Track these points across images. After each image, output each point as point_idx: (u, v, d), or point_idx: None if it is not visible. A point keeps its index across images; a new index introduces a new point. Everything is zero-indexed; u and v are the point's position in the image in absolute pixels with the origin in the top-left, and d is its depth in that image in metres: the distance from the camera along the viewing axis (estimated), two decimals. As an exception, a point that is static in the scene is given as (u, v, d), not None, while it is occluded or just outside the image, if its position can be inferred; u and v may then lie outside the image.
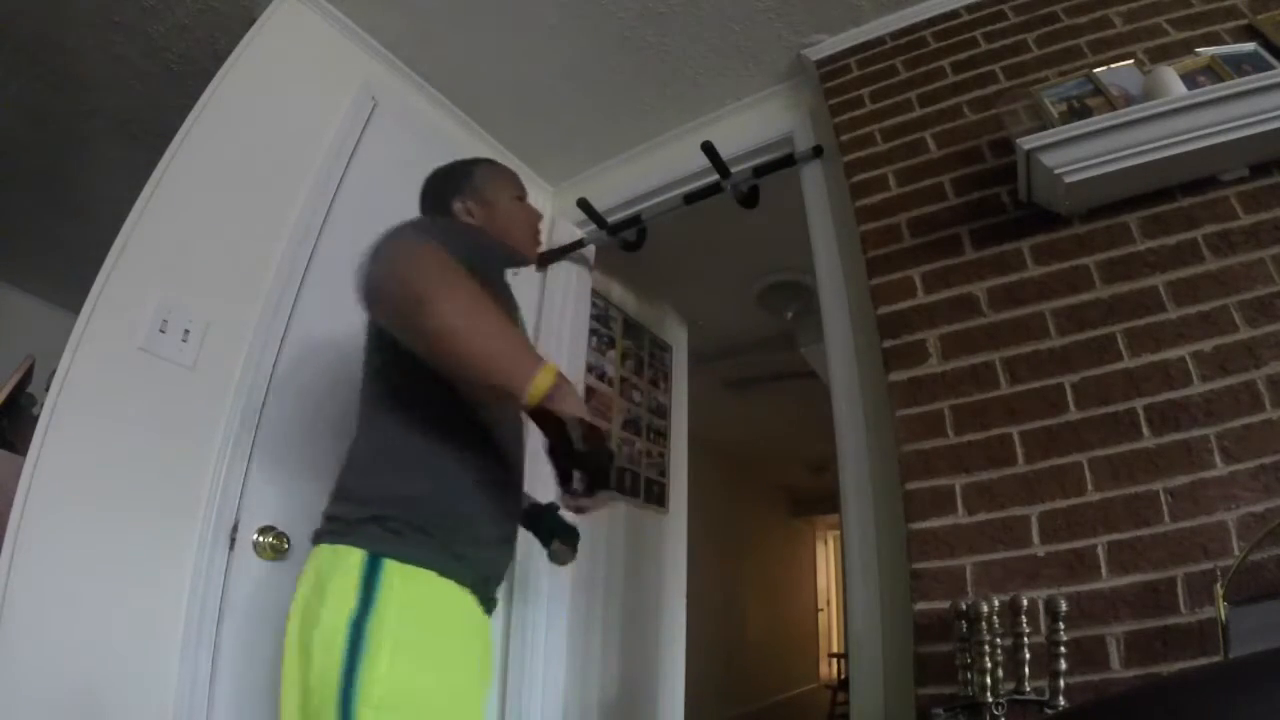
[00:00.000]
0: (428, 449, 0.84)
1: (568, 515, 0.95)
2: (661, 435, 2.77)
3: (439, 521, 0.80)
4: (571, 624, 1.86)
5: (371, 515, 0.79)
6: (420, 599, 0.76)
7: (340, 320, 1.48)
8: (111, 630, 1.03)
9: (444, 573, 0.78)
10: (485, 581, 0.87)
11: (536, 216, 1.13)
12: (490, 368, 0.72)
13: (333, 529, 0.81)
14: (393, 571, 0.75)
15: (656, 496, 2.67)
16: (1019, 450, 1.10)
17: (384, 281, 0.77)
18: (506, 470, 0.93)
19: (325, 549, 0.79)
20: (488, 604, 0.88)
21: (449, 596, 0.79)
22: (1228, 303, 1.04)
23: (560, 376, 0.73)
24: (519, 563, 1.76)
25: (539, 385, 0.70)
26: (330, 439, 1.40)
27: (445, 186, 1.11)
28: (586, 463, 0.73)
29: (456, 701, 0.76)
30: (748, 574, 6.22)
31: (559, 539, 1.12)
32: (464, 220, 1.07)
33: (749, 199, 1.78)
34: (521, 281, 2.04)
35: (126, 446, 1.11)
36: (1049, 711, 0.88)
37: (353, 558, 0.76)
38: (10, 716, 0.90)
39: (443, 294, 0.72)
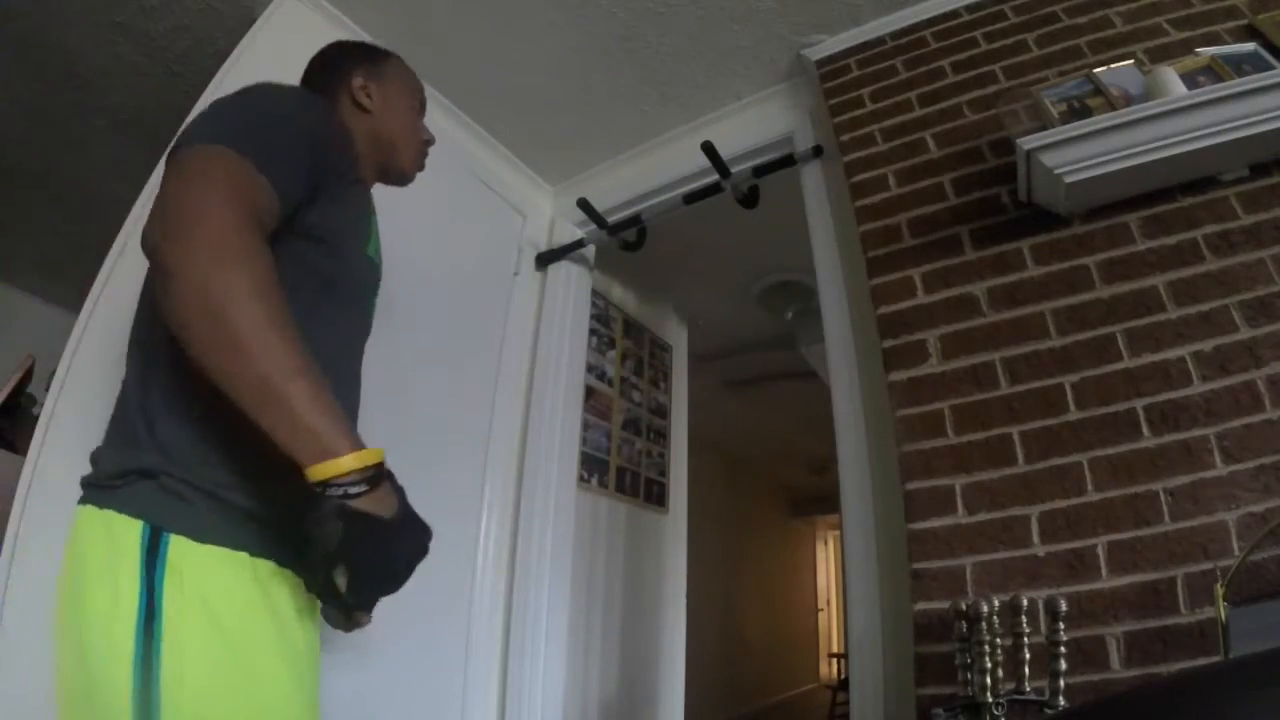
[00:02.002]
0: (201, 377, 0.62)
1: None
2: (661, 435, 2.77)
3: (244, 478, 0.62)
4: (571, 624, 1.86)
5: (142, 468, 0.60)
6: (223, 591, 0.59)
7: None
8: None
9: (259, 550, 0.62)
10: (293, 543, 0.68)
11: (430, 138, 1.01)
12: (269, 405, 0.53)
13: (97, 482, 0.63)
14: (184, 554, 0.58)
15: (656, 496, 2.67)
16: (1019, 450, 1.10)
17: (155, 205, 0.58)
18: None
19: (90, 514, 0.61)
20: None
21: (264, 584, 0.62)
22: (1228, 303, 1.04)
23: (386, 469, 0.58)
24: (518, 563, 1.76)
25: (343, 464, 0.54)
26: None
27: (350, 57, 0.94)
28: (365, 575, 0.56)
29: None
30: (748, 574, 6.22)
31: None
32: (354, 101, 0.90)
33: (749, 199, 1.78)
34: (522, 281, 2.05)
35: (126, 446, 1.11)
36: (1049, 711, 0.88)
37: (128, 534, 0.58)
38: (10, 716, 0.90)
39: (211, 253, 0.54)
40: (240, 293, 0.54)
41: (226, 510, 0.61)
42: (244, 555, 0.61)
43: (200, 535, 0.59)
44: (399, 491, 0.60)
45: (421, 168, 1.00)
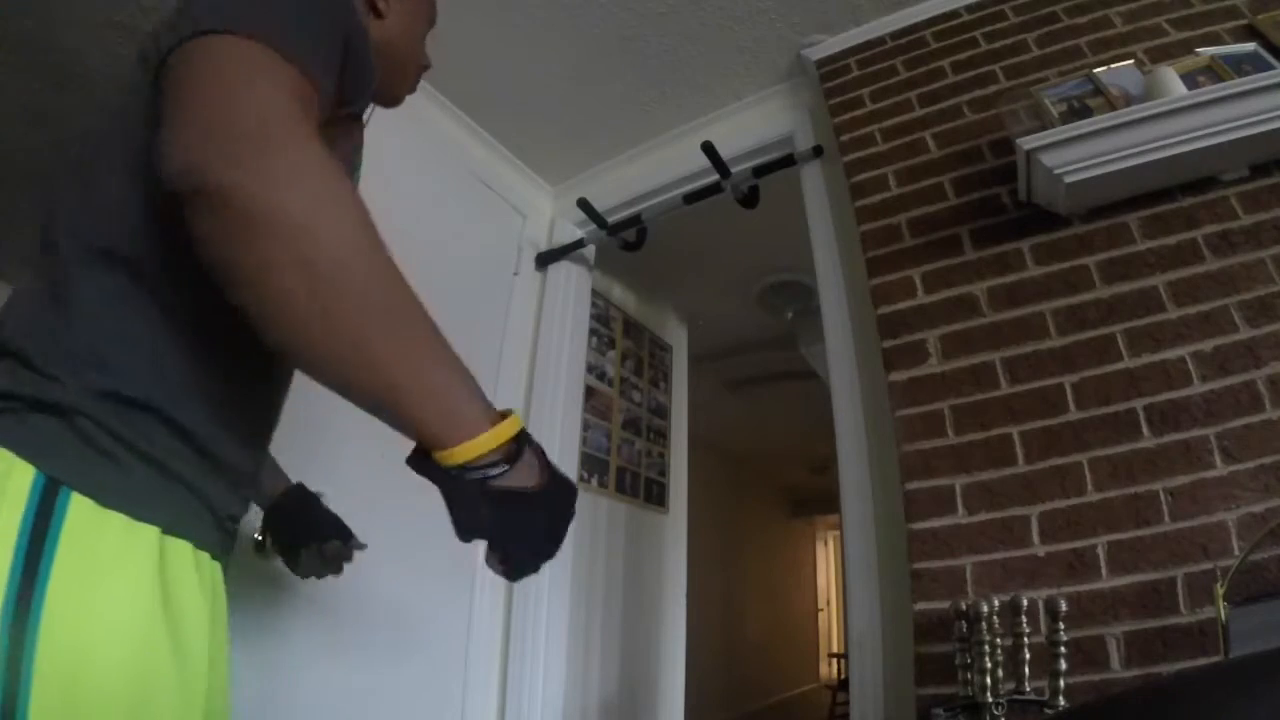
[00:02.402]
0: (176, 313, 0.51)
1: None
2: (661, 435, 2.77)
3: (173, 434, 0.50)
4: (571, 624, 1.86)
5: (54, 400, 0.46)
6: (129, 576, 0.46)
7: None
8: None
9: (173, 528, 0.50)
10: (223, 525, 0.58)
11: (429, 63, 0.87)
12: (399, 374, 0.44)
13: None
14: (83, 517, 0.44)
15: (656, 496, 2.67)
16: (1019, 450, 1.10)
17: (185, 111, 0.43)
18: (274, 388, 0.65)
19: None
20: (223, 555, 0.59)
21: (177, 570, 0.50)
22: (1228, 303, 1.04)
23: (526, 435, 0.51)
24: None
25: (484, 443, 0.46)
26: (330, 439, 1.40)
27: None
28: (514, 542, 0.52)
29: None
30: (748, 574, 6.22)
31: (322, 542, 0.88)
32: (369, 2, 0.71)
33: (749, 199, 1.78)
34: (522, 281, 2.05)
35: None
36: (1049, 711, 0.88)
37: (14, 476, 0.43)
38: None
39: (307, 185, 0.42)
40: (362, 242, 0.44)
41: (157, 473, 0.49)
42: (173, 538, 0.50)
43: (107, 498, 0.46)
44: (539, 452, 0.52)
45: (413, 91, 0.86)
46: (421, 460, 0.48)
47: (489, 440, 0.47)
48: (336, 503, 1.39)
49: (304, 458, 1.37)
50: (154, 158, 0.43)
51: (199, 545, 0.53)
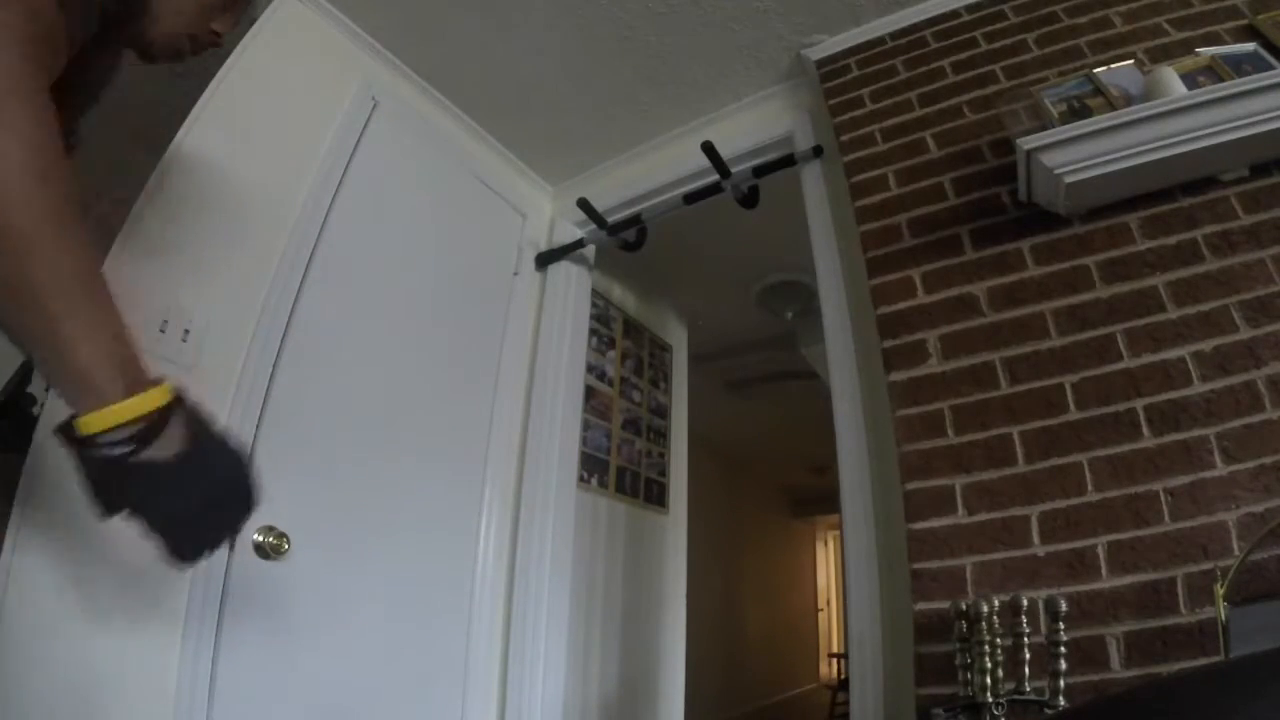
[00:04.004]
0: None
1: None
2: (661, 435, 2.77)
3: None
4: (571, 624, 1.86)
5: None
6: None
7: (342, 319, 1.48)
8: (111, 631, 1.03)
9: None
10: None
11: (221, 31, 0.77)
12: (38, 331, 0.43)
13: None
14: None
15: (656, 496, 2.67)
16: (1019, 450, 1.10)
17: None
18: None
19: None
20: None
21: None
22: (1228, 303, 1.04)
23: (176, 406, 0.48)
24: (518, 563, 1.76)
25: (114, 414, 0.44)
26: (331, 440, 1.40)
27: None
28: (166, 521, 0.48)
29: None
30: (748, 574, 6.22)
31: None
32: None
33: (749, 199, 1.78)
34: (522, 281, 2.05)
35: (126, 446, 1.10)
36: (1049, 711, 0.88)
37: None
38: (10, 715, 0.90)
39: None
40: (16, 168, 0.42)
41: None
42: None
43: None
44: (192, 422, 0.49)
45: (178, 58, 0.75)
46: (65, 427, 0.46)
47: (120, 412, 0.44)
48: (335, 499, 1.40)
49: (329, 455, 1.37)
50: None
51: None
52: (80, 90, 0.61)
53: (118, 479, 0.45)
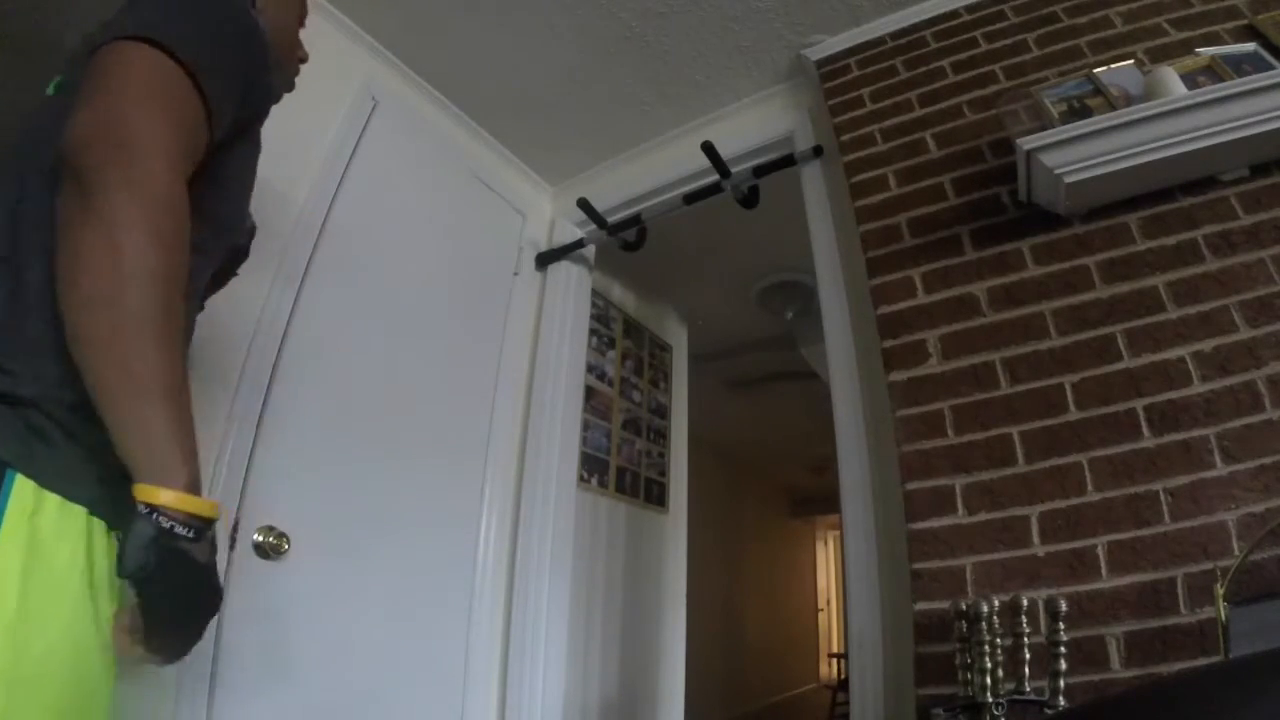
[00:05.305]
0: None
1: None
2: (661, 435, 2.77)
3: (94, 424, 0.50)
4: (571, 624, 1.86)
5: (5, 391, 0.49)
6: (65, 550, 0.49)
7: (342, 319, 1.48)
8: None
9: (95, 508, 0.52)
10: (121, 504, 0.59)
11: (306, 56, 0.89)
12: (129, 398, 0.48)
13: None
14: (26, 498, 0.48)
15: (656, 496, 2.67)
16: (1019, 450, 1.10)
17: (96, 108, 0.51)
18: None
19: None
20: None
21: (100, 546, 0.52)
22: (1228, 303, 1.04)
23: (214, 531, 0.54)
24: (518, 563, 1.77)
25: (180, 499, 0.49)
26: (331, 440, 1.40)
27: None
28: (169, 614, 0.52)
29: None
30: (748, 574, 6.22)
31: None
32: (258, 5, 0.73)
33: (749, 199, 1.78)
34: (522, 281, 2.05)
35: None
36: (1049, 711, 0.88)
37: None
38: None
39: (151, 220, 0.49)
40: (156, 276, 0.49)
41: (81, 457, 0.52)
42: (83, 511, 0.52)
43: (50, 481, 0.49)
44: (214, 553, 0.56)
45: (291, 89, 0.88)
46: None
47: (185, 500, 0.50)
48: (335, 499, 1.40)
49: (329, 455, 1.37)
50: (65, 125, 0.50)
51: (111, 525, 0.55)
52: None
53: (158, 552, 0.49)
